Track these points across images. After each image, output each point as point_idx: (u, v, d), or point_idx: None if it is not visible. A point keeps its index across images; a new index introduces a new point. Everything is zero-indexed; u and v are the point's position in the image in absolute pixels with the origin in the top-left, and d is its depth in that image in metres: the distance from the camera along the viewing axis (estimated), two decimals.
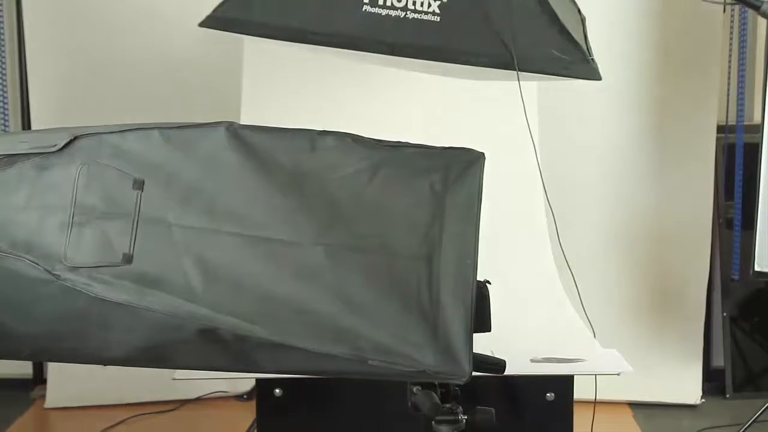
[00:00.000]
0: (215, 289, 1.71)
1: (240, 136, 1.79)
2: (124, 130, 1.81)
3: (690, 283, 3.95)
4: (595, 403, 2.67)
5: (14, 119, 4.30)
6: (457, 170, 1.80)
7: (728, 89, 4.00)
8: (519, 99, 2.53)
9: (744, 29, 4.02)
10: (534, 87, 3.39)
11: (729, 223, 4.02)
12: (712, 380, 4.03)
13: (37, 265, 1.74)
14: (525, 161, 3.07)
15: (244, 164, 1.77)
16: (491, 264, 2.09)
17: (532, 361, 2.65)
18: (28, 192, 1.79)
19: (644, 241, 3.92)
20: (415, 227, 1.76)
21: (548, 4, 2.53)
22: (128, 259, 1.73)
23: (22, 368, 4.25)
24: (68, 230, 1.75)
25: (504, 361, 1.95)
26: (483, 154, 1.83)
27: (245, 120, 3.35)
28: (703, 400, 3.92)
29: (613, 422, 2.25)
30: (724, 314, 4.04)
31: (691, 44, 3.92)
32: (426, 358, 1.69)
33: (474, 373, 1.70)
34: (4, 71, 4.20)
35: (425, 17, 2.52)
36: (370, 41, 2.55)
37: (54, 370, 4.03)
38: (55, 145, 1.80)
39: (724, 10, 3.95)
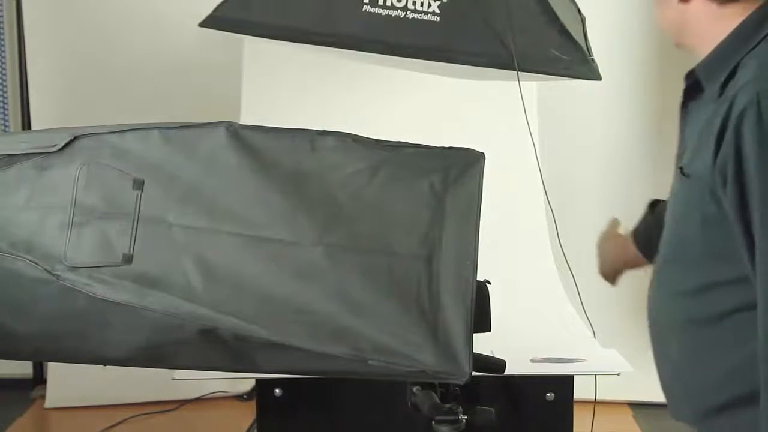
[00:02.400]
0: (215, 289, 1.71)
1: (240, 136, 1.79)
2: (123, 130, 1.81)
3: None
4: (595, 403, 2.67)
5: (14, 119, 4.29)
6: (457, 170, 1.80)
7: None
8: (519, 99, 2.53)
9: None
10: (534, 87, 3.39)
11: None
12: None
13: (37, 265, 1.74)
14: (525, 161, 3.08)
15: (244, 164, 1.77)
16: (491, 264, 2.09)
17: (532, 361, 2.65)
18: (28, 192, 1.78)
19: None
20: (415, 227, 1.76)
21: (548, 4, 2.53)
22: (128, 259, 1.73)
23: (22, 368, 4.25)
24: (68, 230, 1.75)
25: (504, 361, 1.95)
26: (483, 154, 1.82)
27: (245, 120, 3.35)
28: None
29: (613, 422, 2.25)
30: None
31: None
32: (426, 359, 1.68)
33: (474, 373, 1.70)
34: (4, 71, 4.20)
35: (425, 17, 2.52)
36: (370, 41, 2.55)
37: (54, 370, 4.03)
38: (55, 145, 1.80)
39: None
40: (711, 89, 1.56)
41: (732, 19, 1.55)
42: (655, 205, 2.01)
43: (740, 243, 1.47)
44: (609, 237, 2.13)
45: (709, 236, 1.53)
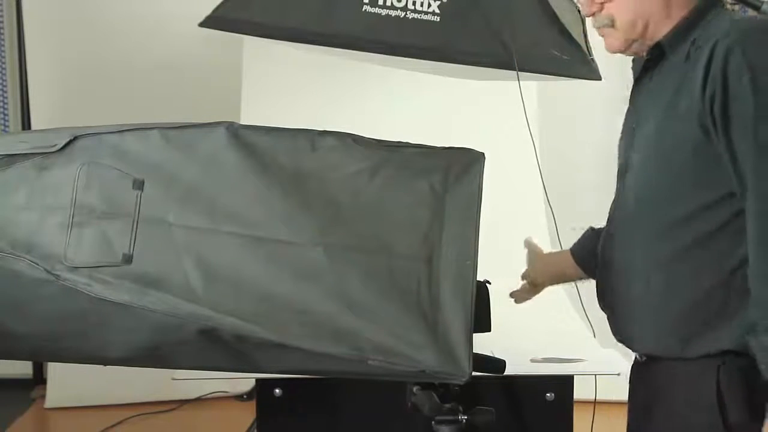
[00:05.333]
0: (215, 289, 1.71)
1: (240, 136, 1.79)
2: (123, 130, 1.81)
3: None
4: (595, 403, 2.66)
5: (14, 119, 4.30)
6: (457, 170, 1.80)
7: None
8: (519, 99, 2.52)
9: None
10: (534, 87, 3.39)
11: None
12: None
13: (37, 265, 1.74)
14: (525, 161, 3.07)
15: (244, 164, 1.77)
16: (491, 264, 2.09)
17: (532, 361, 2.64)
18: (28, 192, 1.78)
19: None
20: (415, 227, 1.76)
21: (548, 4, 2.53)
22: (128, 259, 1.73)
23: (22, 368, 4.25)
24: (68, 230, 1.75)
25: (504, 361, 1.95)
26: (483, 154, 1.83)
27: (245, 120, 3.35)
28: None
29: (613, 422, 2.25)
30: None
31: None
32: (426, 358, 1.68)
33: (474, 373, 1.70)
34: (4, 71, 4.20)
35: (425, 17, 2.52)
36: (370, 41, 2.55)
37: (54, 370, 4.03)
38: (55, 145, 1.80)
39: None
40: (678, 55, 1.84)
41: (680, 6, 1.86)
42: (593, 230, 2.28)
43: (726, 159, 1.72)
44: (546, 253, 2.42)
45: (699, 163, 1.76)
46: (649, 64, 1.93)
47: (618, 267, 1.97)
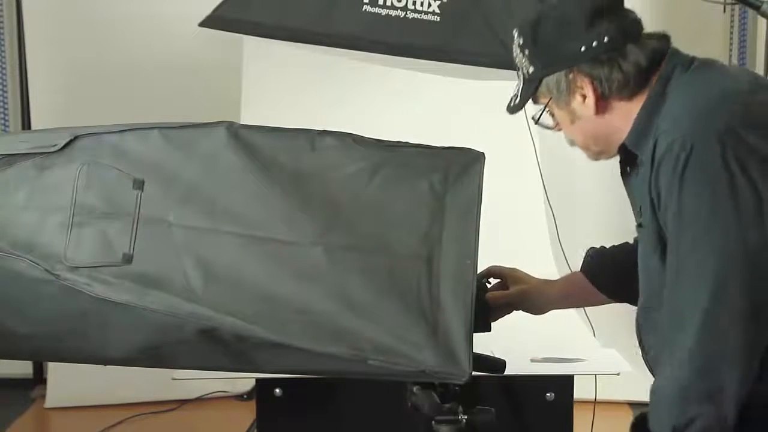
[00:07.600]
0: (215, 289, 1.71)
1: (240, 136, 1.79)
2: (123, 130, 1.81)
3: None
4: (595, 403, 2.67)
5: (14, 119, 4.30)
6: (457, 170, 1.80)
7: None
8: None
9: (744, 29, 4.02)
10: None
11: None
12: None
13: (38, 265, 1.74)
14: (525, 161, 3.08)
15: (244, 164, 1.77)
16: (491, 264, 2.09)
17: (532, 361, 2.65)
18: (28, 192, 1.78)
19: None
20: (415, 227, 1.76)
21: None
22: (128, 259, 1.73)
23: (22, 368, 4.25)
24: (68, 230, 1.75)
25: (504, 361, 1.95)
26: (483, 154, 1.83)
27: (245, 120, 3.35)
28: None
29: (613, 422, 2.25)
30: None
31: (691, 44, 3.90)
32: (426, 358, 1.68)
33: (474, 373, 1.70)
34: (4, 71, 4.20)
35: (425, 17, 2.53)
36: (370, 41, 2.56)
37: (54, 370, 4.03)
38: (55, 145, 1.80)
39: (724, 10, 3.95)
40: (644, 155, 1.69)
41: (639, 105, 1.71)
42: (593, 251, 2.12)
43: None
44: (536, 280, 2.15)
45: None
46: (624, 164, 1.81)
47: (651, 319, 1.86)
